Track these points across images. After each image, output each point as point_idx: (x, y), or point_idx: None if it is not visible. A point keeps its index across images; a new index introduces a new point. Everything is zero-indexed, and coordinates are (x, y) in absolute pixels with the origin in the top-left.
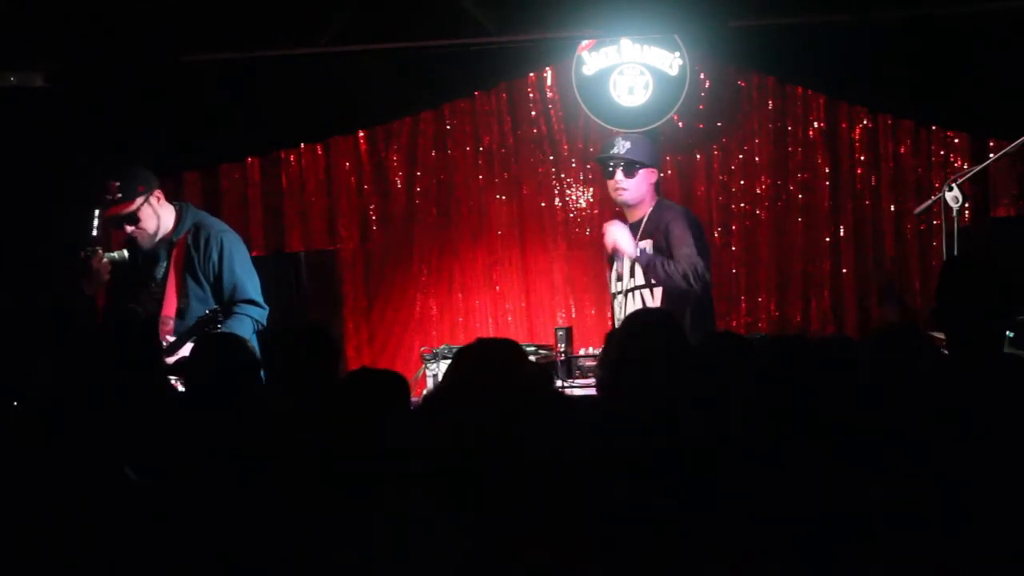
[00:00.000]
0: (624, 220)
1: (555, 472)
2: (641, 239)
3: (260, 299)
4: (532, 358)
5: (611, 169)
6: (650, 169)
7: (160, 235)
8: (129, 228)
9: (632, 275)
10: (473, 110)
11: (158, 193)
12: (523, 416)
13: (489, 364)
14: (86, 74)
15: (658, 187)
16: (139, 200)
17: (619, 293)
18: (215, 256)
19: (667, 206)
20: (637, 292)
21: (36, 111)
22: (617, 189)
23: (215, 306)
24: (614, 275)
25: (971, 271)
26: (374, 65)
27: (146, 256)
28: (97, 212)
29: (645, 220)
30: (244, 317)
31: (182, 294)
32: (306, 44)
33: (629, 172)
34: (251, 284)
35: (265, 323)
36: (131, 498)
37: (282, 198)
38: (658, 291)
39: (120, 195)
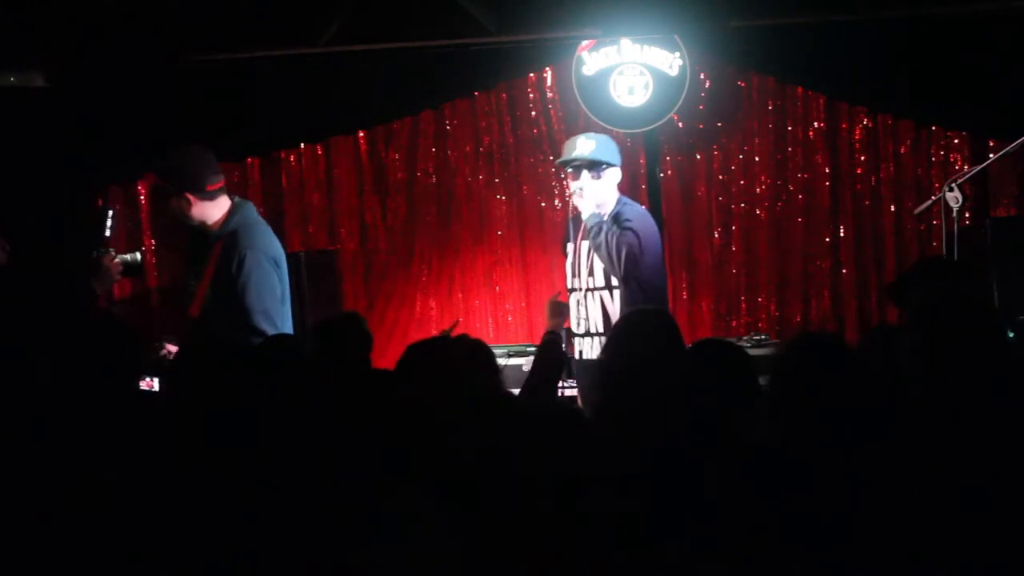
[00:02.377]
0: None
1: (545, 480)
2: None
3: (263, 327)
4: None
5: (575, 171)
6: (615, 168)
7: (207, 224)
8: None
9: (591, 273)
10: (473, 110)
11: (209, 187)
12: (474, 418)
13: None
14: (86, 74)
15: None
16: (191, 196)
17: (576, 290)
18: (233, 271)
19: (629, 206)
20: (596, 294)
21: (36, 111)
22: (582, 191)
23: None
24: (569, 267)
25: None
26: (374, 65)
27: (198, 252)
28: (111, 212)
29: (607, 220)
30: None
31: (208, 296)
32: (305, 44)
33: (596, 173)
34: (260, 309)
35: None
36: (128, 499)
37: (282, 198)
38: (618, 294)
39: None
